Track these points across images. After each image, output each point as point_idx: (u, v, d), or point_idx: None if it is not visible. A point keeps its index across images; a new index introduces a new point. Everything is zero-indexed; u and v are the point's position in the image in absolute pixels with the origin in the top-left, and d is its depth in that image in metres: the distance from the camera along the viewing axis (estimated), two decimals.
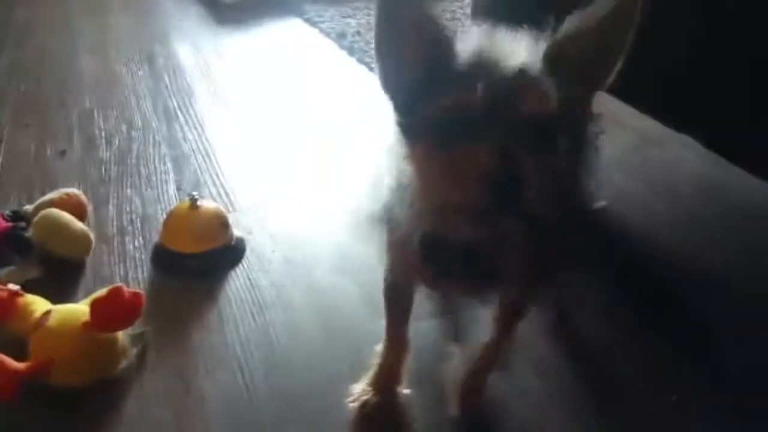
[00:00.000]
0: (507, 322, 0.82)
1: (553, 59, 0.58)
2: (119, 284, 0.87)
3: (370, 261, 1.13)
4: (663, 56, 1.08)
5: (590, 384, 0.93)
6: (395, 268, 0.77)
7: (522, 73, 0.56)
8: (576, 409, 0.89)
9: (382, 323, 0.99)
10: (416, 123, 0.60)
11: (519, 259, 0.61)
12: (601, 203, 1.26)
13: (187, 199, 1.14)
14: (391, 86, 0.61)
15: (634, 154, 1.40)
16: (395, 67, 0.60)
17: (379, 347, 0.90)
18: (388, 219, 0.71)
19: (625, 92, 0.88)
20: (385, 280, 0.83)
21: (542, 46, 0.59)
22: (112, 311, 0.87)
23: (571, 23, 0.59)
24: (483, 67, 0.57)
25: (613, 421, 0.88)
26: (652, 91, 1.10)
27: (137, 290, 0.90)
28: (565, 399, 0.90)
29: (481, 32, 0.60)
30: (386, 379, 0.89)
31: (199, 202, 1.13)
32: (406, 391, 0.90)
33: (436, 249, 0.62)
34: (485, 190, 0.53)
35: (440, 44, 0.59)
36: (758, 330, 1.02)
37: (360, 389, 0.89)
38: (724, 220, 1.25)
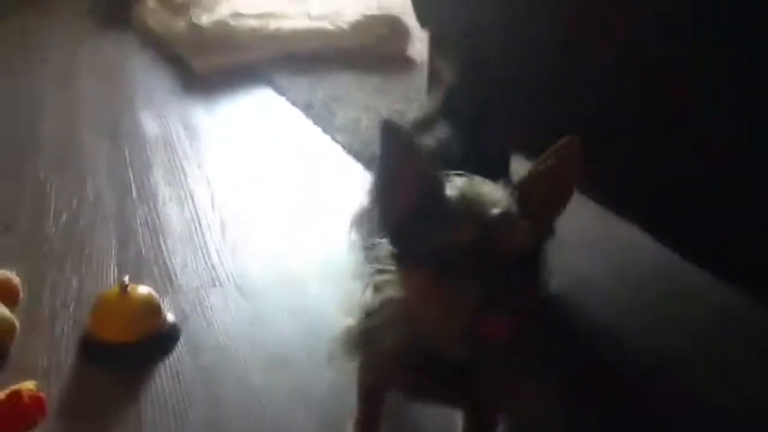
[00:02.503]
0: None
1: (521, 198, 0.68)
2: (17, 388, 0.81)
3: (316, 362, 1.07)
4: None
5: None
6: (373, 375, 0.82)
7: (503, 216, 0.65)
8: None
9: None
10: (411, 254, 0.68)
11: (498, 379, 0.72)
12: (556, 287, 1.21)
13: (116, 284, 1.09)
14: (388, 220, 0.71)
15: (593, 233, 1.34)
16: (393, 204, 0.70)
17: None
18: (366, 330, 0.77)
19: None
20: (360, 384, 0.87)
21: (510, 188, 0.69)
22: (11, 415, 0.81)
23: (527, 171, 0.70)
24: (469, 208, 0.66)
25: None
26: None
27: (38, 393, 0.84)
28: None
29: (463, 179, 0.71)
30: None
31: (129, 288, 1.08)
32: None
33: (423, 362, 0.71)
34: (475, 318, 0.62)
35: (433, 186, 0.68)
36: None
37: None
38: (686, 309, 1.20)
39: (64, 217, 1.47)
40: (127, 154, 1.76)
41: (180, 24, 2.42)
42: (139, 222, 1.45)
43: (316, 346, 1.10)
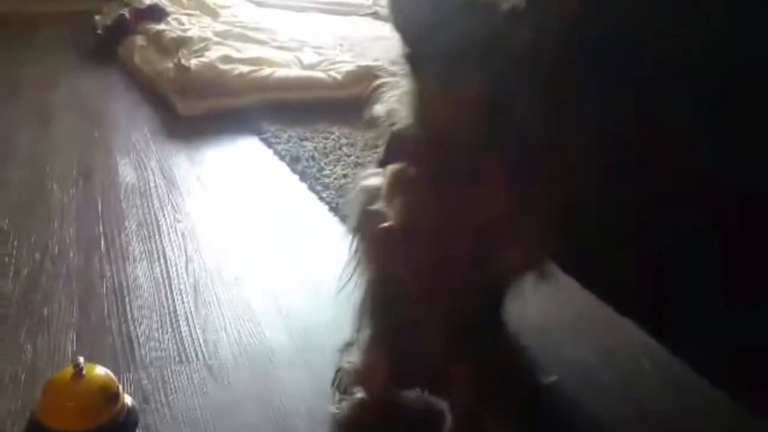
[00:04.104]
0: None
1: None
2: None
3: None
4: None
5: None
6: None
7: (513, 11, 0.68)
8: None
9: None
10: (423, 54, 0.72)
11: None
12: (551, 378, 1.12)
13: (71, 364, 0.98)
14: (402, 21, 0.73)
15: (587, 319, 1.25)
16: (408, 4, 0.72)
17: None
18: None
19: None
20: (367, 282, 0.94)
21: None
22: None
23: None
24: (481, 6, 0.69)
25: None
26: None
27: None
28: None
29: None
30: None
31: (85, 369, 0.97)
32: None
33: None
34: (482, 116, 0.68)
35: None
36: None
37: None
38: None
39: (24, 273, 1.36)
40: (99, 203, 1.65)
41: (168, 64, 2.34)
42: (105, 282, 1.35)
43: None
